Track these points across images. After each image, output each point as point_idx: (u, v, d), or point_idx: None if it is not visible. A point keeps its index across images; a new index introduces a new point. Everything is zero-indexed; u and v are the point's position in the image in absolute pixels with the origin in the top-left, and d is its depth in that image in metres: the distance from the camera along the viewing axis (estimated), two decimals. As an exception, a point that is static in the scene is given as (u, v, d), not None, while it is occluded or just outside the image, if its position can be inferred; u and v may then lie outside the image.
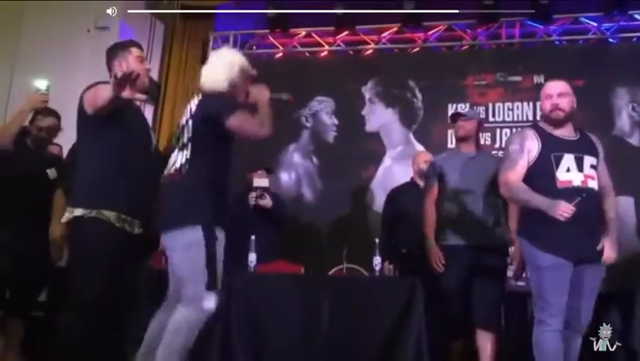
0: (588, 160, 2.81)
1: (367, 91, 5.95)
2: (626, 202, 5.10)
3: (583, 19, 5.69)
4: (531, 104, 5.53)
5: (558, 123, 2.88)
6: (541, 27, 5.75)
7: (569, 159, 2.77)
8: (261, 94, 2.65)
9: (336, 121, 5.95)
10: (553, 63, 5.58)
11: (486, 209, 3.35)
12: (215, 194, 2.51)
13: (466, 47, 6.01)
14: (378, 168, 5.72)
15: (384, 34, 6.10)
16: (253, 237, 3.57)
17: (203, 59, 6.16)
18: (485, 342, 3.26)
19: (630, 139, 5.36)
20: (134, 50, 2.68)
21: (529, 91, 5.56)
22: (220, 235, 2.50)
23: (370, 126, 5.89)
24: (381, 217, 4.52)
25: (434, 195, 3.51)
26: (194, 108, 2.59)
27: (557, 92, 2.89)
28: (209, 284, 2.41)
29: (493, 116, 5.61)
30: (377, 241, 3.61)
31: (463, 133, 3.54)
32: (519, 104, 5.56)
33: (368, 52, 6.18)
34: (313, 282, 3.58)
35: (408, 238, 4.00)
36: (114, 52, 2.67)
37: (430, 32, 6.00)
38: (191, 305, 2.42)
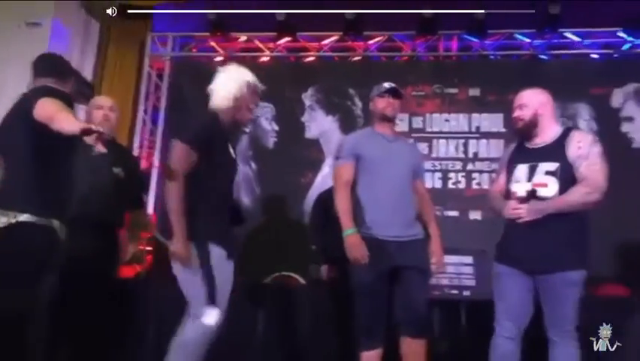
0: (543, 167, 2.72)
1: (307, 98, 5.95)
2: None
3: (517, 36, 5.89)
4: (466, 115, 5.68)
5: (521, 133, 2.88)
6: (477, 41, 5.91)
7: (520, 170, 2.77)
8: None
9: (276, 127, 5.92)
10: (488, 77, 5.77)
11: (408, 199, 2.99)
12: (208, 210, 2.50)
13: (406, 57, 6.11)
14: (317, 175, 5.73)
15: (325, 42, 6.12)
16: None
17: (140, 60, 6.07)
18: (416, 353, 2.86)
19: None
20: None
21: (465, 103, 5.71)
22: (218, 250, 2.48)
23: (310, 133, 5.89)
24: (310, 220, 4.15)
25: (349, 178, 2.98)
26: None
27: (518, 104, 2.89)
28: (209, 300, 2.41)
29: (430, 126, 5.72)
30: (313, 247, 3.55)
31: (393, 113, 3.10)
32: (455, 115, 5.69)
33: (309, 59, 6.19)
34: (250, 290, 3.53)
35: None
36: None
37: (370, 42, 6.07)
38: (193, 322, 2.42)
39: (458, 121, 5.69)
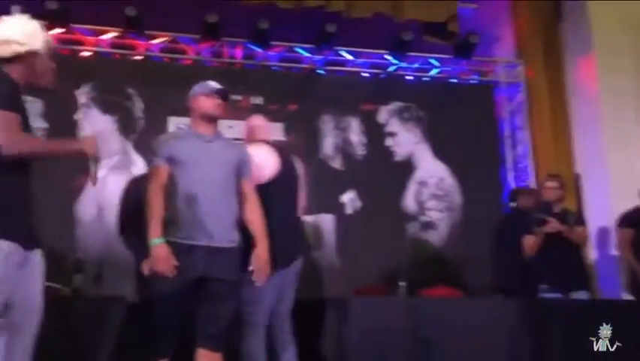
0: None
1: (82, 94, 5.54)
2: (328, 220, 5.65)
3: (297, 49, 6.17)
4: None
5: None
6: (261, 51, 6.06)
7: None
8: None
9: (45, 124, 5.40)
10: (271, 86, 5.95)
11: (226, 202, 2.87)
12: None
13: (190, 61, 6.02)
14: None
15: (103, 37, 5.77)
16: None
17: None
18: None
19: (332, 162, 5.96)
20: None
21: (248, 110, 5.79)
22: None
23: (84, 132, 5.48)
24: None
25: (162, 181, 2.84)
26: None
27: None
28: None
29: (213, 131, 5.71)
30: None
31: (218, 113, 2.99)
32: (237, 122, 5.75)
33: (85, 53, 5.77)
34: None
35: None
36: None
37: (152, 41, 5.86)
38: None
39: (240, 128, 5.74)
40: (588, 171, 5.95)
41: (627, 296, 4.71)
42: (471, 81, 6.59)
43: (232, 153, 2.98)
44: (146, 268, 3.14)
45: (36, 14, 5.48)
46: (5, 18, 2.30)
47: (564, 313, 3.63)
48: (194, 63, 6.03)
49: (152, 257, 2.75)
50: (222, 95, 3.00)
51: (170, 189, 2.84)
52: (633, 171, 5.49)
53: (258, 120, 3.53)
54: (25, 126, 2.20)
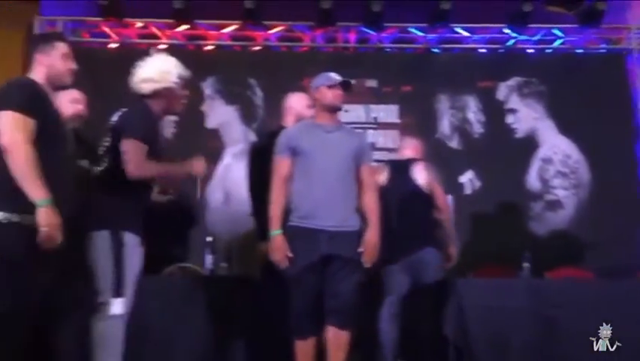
0: None
1: (207, 87, 5.87)
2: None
3: (411, 29, 6.11)
4: (364, 106, 5.83)
5: None
6: (374, 34, 6.07)
7: None
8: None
9: (174, 117, 5.77)
10: (385, 69, 5.96)
11: (344, 189, 2.95)
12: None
13: (305, 48, 6.16)
14: (217, 166, 5.67)
15: (224, 31, 6.05)
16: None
17: (27, 45, 5.71)
18: (338, 342, 2.87)
19: (450, 142, 5.86)
20: (60, 46, 2.48)
21: (362, 94, 5.85)
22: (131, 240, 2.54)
23: (210, 123, 5.82)
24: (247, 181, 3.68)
25: (284, 174, 2.98)
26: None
27: None
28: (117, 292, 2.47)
29: (330, 116, 5.81)
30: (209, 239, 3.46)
31: (339, 102, 3.06)
32: (353, 106, 5.83)
33: (208, 47, 6.09)
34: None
35: None
36: (37, 45, 2.48)
37: (270, 31, 6.07)
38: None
39: (356, 112, 5.82)
40: None
41: None
42: (600, 51, 6.18)
43: (351, 142, 3.05)
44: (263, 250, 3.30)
45: (163, 13, 5.91)
46: (147, 58, 2.76)
47: None
48: (310, 50, 6.16)
49: (270, 247, 2.91)
50: (345, 86, 3.06)
51: (294, 178, 2.97)
52: None
53: None
54: (154, 152, 2.64)
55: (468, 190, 5.71)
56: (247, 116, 5.85)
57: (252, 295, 3.43)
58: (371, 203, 3.03)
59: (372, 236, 2.95)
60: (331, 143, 2.98)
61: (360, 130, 3.19)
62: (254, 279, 3.55)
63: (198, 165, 2.86)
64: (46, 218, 2.19)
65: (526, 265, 3.95)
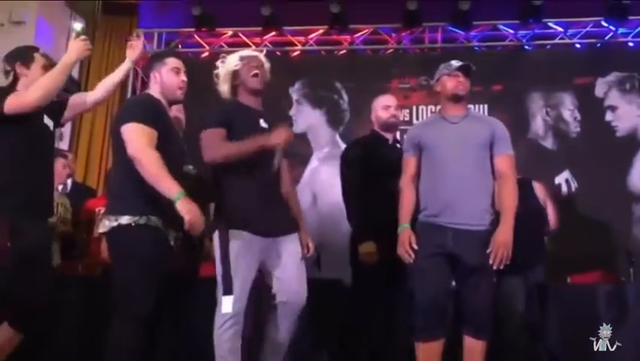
0: None
1: (295, 92, 5.97)
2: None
3: (501, 27, 5.94)
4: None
5: None
6: (462, 33, 5.95)
7: None
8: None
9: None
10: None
11: (474, 184, 2.74)
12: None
13: (391, 50, 6.13)
14: (305, 169, 5.75)
15: (310, 36, 6.13)
16: None
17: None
18: (473, 353, 2.66)
19: (544, 142, 5.64)
20: (170, 61, 2.62)
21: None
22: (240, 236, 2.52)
23: (298, 127, 5.91)
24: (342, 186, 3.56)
25: (412, 172, 2.85)
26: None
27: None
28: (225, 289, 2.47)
29: (417, 118, 5.75)
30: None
31: (465, 91, 2.85)
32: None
33: (295, 53, 6.20)
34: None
35: (381, 203, 3.09)
36: (151, 64, 2.64)
37: (355, 35, 6.09)
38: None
39: (444, 112, 5.71)
40: None
41: None
42: None
43: (482, 130, 2.80)
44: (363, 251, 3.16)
45: (252, 21, 6.05)
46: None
47: None
48: (395, 52, 6.12)
49: (399, 242, 2.76)
50: (465, 70, 2.85)
51: (421, 174, 2.84)
52: None
53: None
54: (237, 133, 2.61)
55: (564, 191, 5.46)
56: (334, 119, 5.90)
57: (341, 299, 3.40)
58: (508, 198, 2.73)
59: (502, 235, 2.64)
60: (457, 134, 2.77)
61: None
62: (343, 283, 3.54)
63: (279, 134, 2.66)
64: (186, 206, 2.28)
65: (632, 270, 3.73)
